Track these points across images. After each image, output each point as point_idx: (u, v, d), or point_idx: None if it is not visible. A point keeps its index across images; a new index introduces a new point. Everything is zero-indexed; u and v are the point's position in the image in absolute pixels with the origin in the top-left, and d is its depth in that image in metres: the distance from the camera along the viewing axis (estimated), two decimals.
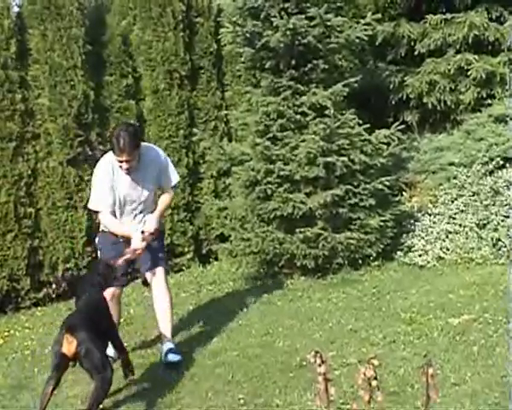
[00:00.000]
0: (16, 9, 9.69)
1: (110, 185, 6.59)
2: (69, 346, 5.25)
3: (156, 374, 6.45)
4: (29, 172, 9.36)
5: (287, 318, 7.50)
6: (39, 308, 9.33)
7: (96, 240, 7.11)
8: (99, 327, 5.57)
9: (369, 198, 8.79)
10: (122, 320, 8.22)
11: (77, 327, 5.33)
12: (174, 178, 6.98)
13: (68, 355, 5.28)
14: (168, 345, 6.70)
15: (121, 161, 6.47)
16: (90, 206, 6.89)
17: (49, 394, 5.34)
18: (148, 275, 6.91)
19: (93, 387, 5.33)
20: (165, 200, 6.93)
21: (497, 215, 8.81)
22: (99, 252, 7.08)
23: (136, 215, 6.79)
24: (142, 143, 6.72)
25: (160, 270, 6.85)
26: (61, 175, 9.47)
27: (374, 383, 3.06)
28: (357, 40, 9.27)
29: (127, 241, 6.66)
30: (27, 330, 8.52)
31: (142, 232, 6.62)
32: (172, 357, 6.57)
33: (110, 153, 6.62)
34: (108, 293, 6.50)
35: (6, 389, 6.55)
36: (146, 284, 7.11)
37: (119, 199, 6.65)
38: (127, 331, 7.86)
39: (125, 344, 7.26)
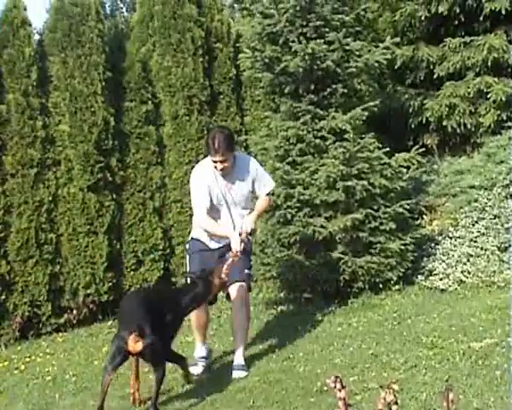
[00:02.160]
0: (37, 37, 9.79)
1: (206, 188, 6.89)
2: (135, 345, 5.73)
3: (175, 401, 6.43)
4: (50, 198, 9.42)
5: (307, 342, 7.47)
6: (60, 334, 9.36)
7: (187, 246, 7.40)
8: (166, 327, 6.16)
9: (389, 222, 8.75)
10: None
11: (144, 328, 5.79)
12: (269, 184, 7.29)
13: (132, 352, 5.82)
14: (236, 360, 6.92)
15: (216, 161, 6.82)
16: (195, 213, 7.11)
17: (109, 383, 5.86)
18: (231, 288, 7.06)
19: (154, 378, 6.01)
20: (261, 204, 7.20)
21: None
22: (187, 258, 7.31)
23: (230, 219, 7.06)
24: (237, 152, 7.21)
25: (241, 285, 7.03)
26: (82, 201, 9.52)
27: (394, 407, 3.05)
28: (376, 64, 9.27)
29: (214, 249, 7.01)
30: (48, 355, 8.56)
31: (240, 234, 6.82)
32: (236, 374, 6.79)
33: (205, 159, 7.08)
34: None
35: None
36: (228, 297, 7.25)
37: (214, 202, 6.94)
38: None
39: (146, 369, 7.30)
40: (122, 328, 5.99)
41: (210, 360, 7.38)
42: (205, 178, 6.94)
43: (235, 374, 6.79)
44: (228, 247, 6.83)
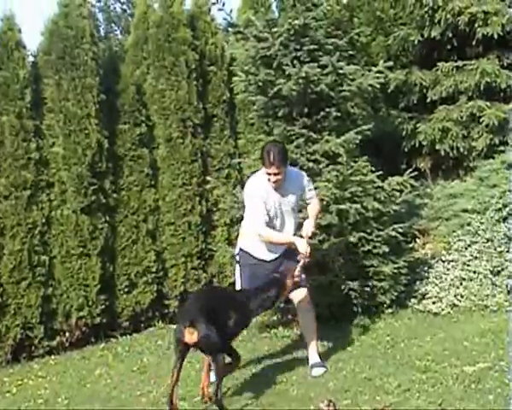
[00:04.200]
0: (32, 59, 9.80)
1: (262, 199, 7.13)
2: (191, 336, 6.24)
3: None
4: (43, 220, 9.41)
5: (300, 366, 7.45)
6: (53, 357, 9.31)
7: (237, 257, 7.53)
8: (227, 323, 6.59)
9: (382, 245, 8.76)
10: (135, 369, 8.24)
11: (198, 321, 6.26)
12: (313, 190, 7.62)
13: (190, 344, 6.30)
14: (313, 360, 7.31)
15: (270, 174, 7.07)
16: (254, 220, 7.24)
17: (177, 375, 6.35)
18: (295, 293, 7.34)
19: (214, 371, 6.50)
20: (314, 208, 7.53)
21: (511, 262, 8.77)
22: (237, 269, 7.51)
23: (285, 228, 7.34)
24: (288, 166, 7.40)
25: (303, 290, 7.32)
26: (75, 223, 9.51)
27: None
28: (370, 88, 9.31)
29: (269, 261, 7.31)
30: (40, 378, 8.51)
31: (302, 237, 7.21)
32: (316, 371, 7.17)
33: (257, 173, 7.37)
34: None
35: None
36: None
37: (269, 214, 7.17)
38: (141, 380, 7.84)
39: (138, 393, 7.29)
40: (179, 322, 6.49)
41: None
42: (260, 189, 7.18)
43: (315, 372, 7.17)
44: (286, 255, 7.26)
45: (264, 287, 6.99)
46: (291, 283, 7.08)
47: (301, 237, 7.23)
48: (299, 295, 7.34)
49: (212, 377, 6.72)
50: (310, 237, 7.28)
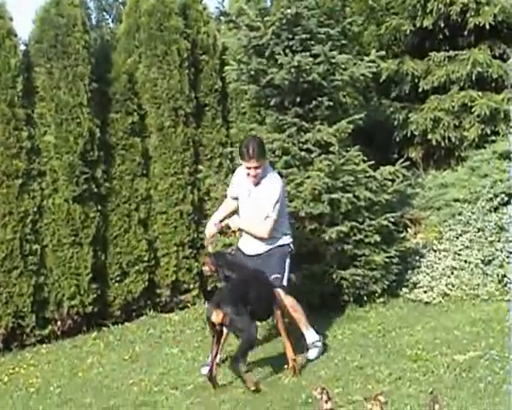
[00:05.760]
0: (23, 48, 9.76)
1: (236, 182, 7.67)
2: (217, 317, 6.78)
3: None
4: (35, 209, 9.37)
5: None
6: (44, 345, 9.29)
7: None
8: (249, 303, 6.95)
9: (374, 234, 8.78)
10: (127, 357, 8.25)
11: (223, 303, 6.80)
12: (272, 212, 7.39)
13: (216, 323, 6.84)
14: (307, 340, 7.51)
15: (249, 168, 7.28)
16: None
17: (216, 353, 6.94)
18: None
19: (239, 343, 6.86)
20: (254, 224, 7.47)
21: (502, 251, 8.81)
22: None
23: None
24: (269, 167, 7.65)
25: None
26: (67, 212, 9.49)
27: None
28: (362, 77, 9.32)
29: None
30: (32, 367, 8.51)
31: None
32: (310, 353, 7.44)
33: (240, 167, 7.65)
34: None
35: None
36: None
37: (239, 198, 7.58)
38: (132, 369, 7.86)
39: (130, 381, 7.31)
40: (210, 303, 7.05)
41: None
42: (239, 174, 7.57)
43: (310, 354, 7.41)
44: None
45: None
46: None
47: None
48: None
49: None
50: (228, 227, 7.59)
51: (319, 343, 7.45)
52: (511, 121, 10.71)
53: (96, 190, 9.67)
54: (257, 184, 7.37)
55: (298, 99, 9.07)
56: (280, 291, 7.38)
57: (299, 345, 7.34)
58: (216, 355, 6.95)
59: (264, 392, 6.49)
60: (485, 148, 10.67)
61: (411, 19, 11.55)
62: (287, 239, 7.57)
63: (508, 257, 8.73)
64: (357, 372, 6.68)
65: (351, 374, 6.64)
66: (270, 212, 7.31)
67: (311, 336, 7.50)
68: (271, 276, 7.33)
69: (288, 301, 7.45)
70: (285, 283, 7.49)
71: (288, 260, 7.54)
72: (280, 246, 7.51)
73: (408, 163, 9.77)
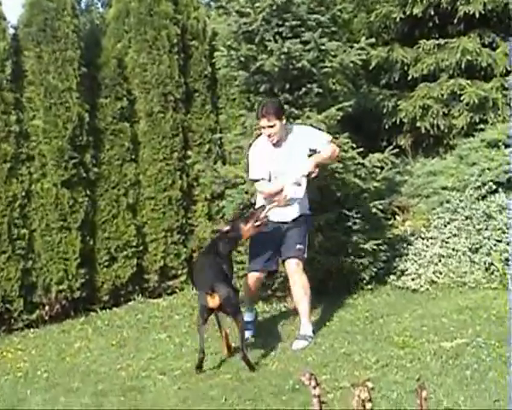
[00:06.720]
0: (12, 31, 9.71)
1: (264, 159, 7.41)
2: (213, 301, 6.75)
3: (149, 398, 6.43)
4: (23, 193, 9.34)
5: (279, 341, 7.51)
6: (32, 330, 9.27)
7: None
8: (229, 277, 7.15)
9: (362, 222, 8.81)
10: (114, 343, 8.26)
11: (216, 286, 6.76)
12: (326, 137, 7.65)
13: (214, 307, 6.82)
14: (300, 331, 7.46)
15: (264, 127, 7.33)
16: (249, 177, 7.76)
17: (204, 332, 6.90)
18: (286, 264, 7.62)
19: (238, 327, 6.88)
20: (325, 150, 7.51)
21: (489, 239, 8.85)
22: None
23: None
24: (290, 125, 7.72)
25: (295, 261, 7.49)
26: (55, 197, 9.46)
27: (368, 405, 3.07)
28: (351, 64, 9.30)
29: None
30: (20, 351, 8.49)
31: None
32: (295, 345, 7.30)
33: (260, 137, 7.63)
34: (252, 278, 7.64)
35: None
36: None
37: (271, 172, 7.42)
38: (120, 354, 7.86)
39: (118, 366, 7.32)
40: (201, 289, 7.05)
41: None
42: (263, 149, 7.47)
43: (294, 345, 7.28)
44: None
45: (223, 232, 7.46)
46: (251, 226, 7.32)
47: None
48: (289, 267, 7.54)
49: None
50: (307, 176, 7.34)
51: (309, 339, 7.37)
52: (499, 110, 10.77)
53: (84, 174, 9.65)
54: (279, 145, 7.43)
55: (287, 86, 9.05)
56: (300, 263, 7.47)
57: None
58: (226, 336, 7.18)
59: (252, 378, 6.51)
60: (473, 136, 10.70)
61: (401, 6, 11.56)
62: (309, 212, 7.74)
63: (495, 245, 8.77)
64: (345, 359, 6.70)
65: (338, 361, 6.66)
66: (324, 139, 7.56)
67: (306, 328, 7.46)
68: (296, 245, 7.42)
69: (303, 281, 7.51)
70: (305, 255, 7.57)
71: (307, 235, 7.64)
72: (306, 216, 7.63)
73: (397, 151, 9.77)
